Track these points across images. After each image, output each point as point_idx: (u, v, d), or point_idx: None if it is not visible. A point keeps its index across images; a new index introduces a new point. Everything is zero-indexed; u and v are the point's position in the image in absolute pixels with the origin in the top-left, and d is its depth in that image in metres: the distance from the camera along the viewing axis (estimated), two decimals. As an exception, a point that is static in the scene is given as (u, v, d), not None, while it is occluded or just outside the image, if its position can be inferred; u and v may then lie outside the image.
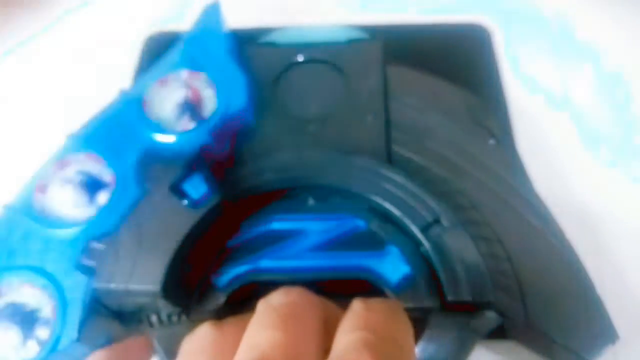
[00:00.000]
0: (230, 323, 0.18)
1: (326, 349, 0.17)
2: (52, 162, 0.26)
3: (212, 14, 0.29)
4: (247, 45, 0.30)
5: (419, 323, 0.23)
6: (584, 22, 0.34)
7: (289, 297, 0.18)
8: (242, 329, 0.17)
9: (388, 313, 0.18)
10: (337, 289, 0.21)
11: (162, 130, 0.26)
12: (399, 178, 0.24)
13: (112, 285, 0.22)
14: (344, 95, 0.28)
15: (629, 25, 0.33)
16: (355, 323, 0.17)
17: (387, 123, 0.27)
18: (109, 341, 0.24)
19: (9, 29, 0.36)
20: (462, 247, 0.23)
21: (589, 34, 0.34)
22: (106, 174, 0.26)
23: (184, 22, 0.33)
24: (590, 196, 0.27)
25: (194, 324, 0.23)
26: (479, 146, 0.26)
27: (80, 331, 0.22)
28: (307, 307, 0.18)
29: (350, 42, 0.30)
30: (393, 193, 0.24)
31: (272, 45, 0.30)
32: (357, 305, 0.18)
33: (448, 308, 0.22)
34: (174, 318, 0.23)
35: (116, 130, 0.26)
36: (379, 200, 0.24)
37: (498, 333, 0.24)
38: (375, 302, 0.18)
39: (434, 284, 0.23)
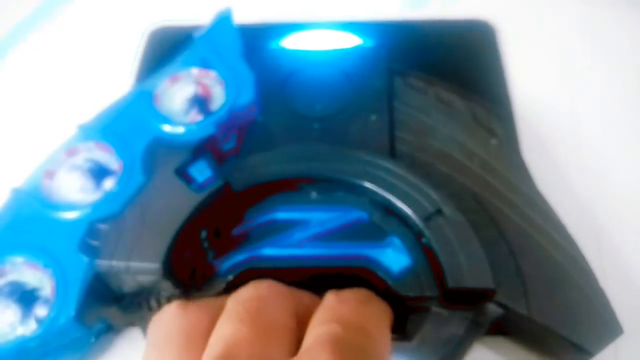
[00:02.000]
0: (196, 305, 0.18)
1: (300, 341, 0.17)
2: (61, 150, 0.27)
3: (224, 18, 0.31)
4: (258, 49, 0.31)
5: (420, 314, 0.23)
6: (593, 21, 0.35)
7: (257, 291, 0.18)
8: (207, 313, 0.18)
9: (360, 302, 0.18)
10: (335, 285, 0.22)
11: (171, 122, 0.27)
12: (401, 170, 0.25)
13: (113, 262, 0.22)
14: (349, 97, 0.29)
15: (634, 26, 0.34)
16: (325, 316, 0.17)
17: (391, 123, 0.28)
18: (107, 325, 0.24)
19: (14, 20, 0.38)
20: (463, 236, 0.23)
21: (596, 32, 0.34)
22: (114, 162, 0.26)
23: (186, 17, 0.35)
24: (593, 192, 0.27)
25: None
26: (481, 145, 0.27)
27: (77, 310, 0.22)
28: (276, 300, 0.17)
29: (357, 48, 0.31)
30: (395, 184, 0.24)
31: (282, 49, 0.32)
32: (328, 298, 0.18)
33: (449, 298, 0.22)
34: (173, 303, 0.23)
35: (126, 122, 0.27)
36: (380, 191, 0.24)
37: (499, 330, 0.24)
38: (347, 293, 0.18)
39: (435, 274, 0.23)
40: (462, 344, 0.22)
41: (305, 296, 0.19)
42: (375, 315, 0.18)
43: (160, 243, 0.22)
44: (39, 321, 0.23)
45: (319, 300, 0.19)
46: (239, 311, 0.17)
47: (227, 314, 0.17)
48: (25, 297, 0.23)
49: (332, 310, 0.17)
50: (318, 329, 0.16)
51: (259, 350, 0.16)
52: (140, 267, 0.22)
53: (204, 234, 0.24)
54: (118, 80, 0.29)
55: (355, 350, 0.16)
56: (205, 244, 0.24)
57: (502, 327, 0.24)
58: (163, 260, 0.21)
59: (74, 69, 0.35)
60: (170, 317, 0.18)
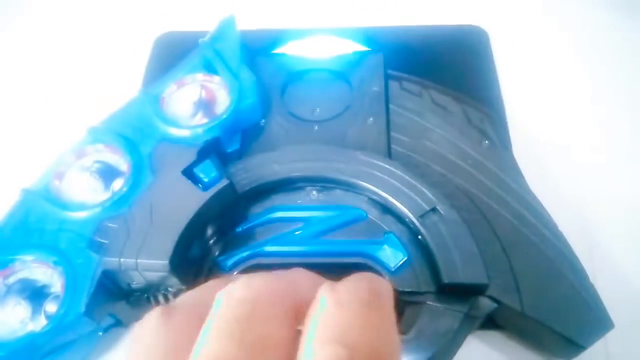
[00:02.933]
0: (181, 310, 0.15)
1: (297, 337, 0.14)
2: (71, 152, 0.28)
3: (227, 25, 0.32)
4: (260, 55, 0.32)
5: (415, 308, 0.24)
6: (581, 27, 0.36)
7: (250, 291, 0.15)
8: (196, 318, 0.15)
9: (364, 305, 0.14)
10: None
11: (177, 125, 0.28)
12: (398, 170, 0.25)
13: (122, 259, 0.23)
14: (347, 101, 0.30)
15: (621, 30, 0.35)
16: (323, 331, 0.14)
17: (388, 125, 0.29)
18: (116, 320, 0.25)
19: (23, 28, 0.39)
20: (457, 233, 0.24)
21: (585, 38, 0.35)
22: (122, 164, 0.27)
23: (192, 23, 0.36)
24: (583, 191, 0.28)
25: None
26: (475, 146, 0.28)
27: (87, 306, 0.23)
28: (271, 303, 0.15)
29: (355, 54, 0.32)
30: (392, 184, 0.25)
31: (283, 55, 0.33)
32: (326, 298, 0.14)
33: (444, 293, 0.23)
34: (179, 298, 0.24)
35: (134, 124, 0.28)
36: (378, 191, 0.25)
37: (492, 324, 0.24)
38: (346, 292, 0.15)
39: (431, 269, 0.24)
40: (457, 337, 0.23)
41: (303, 284, 0.16)
42: (386, 325, 0.15)
43: (168, 240, 0.23)
44: (49, 317, 0.23)
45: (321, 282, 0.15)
46: (228, 320, 0.14)
47: (214, 323, 0.14)
48: (36, 294, 0.24)
49: (330, 320, 0.14)
50: (318, 353, 0.13)
51: None
52: (148, 264, 0.22)
53: (209, 231, 0.25)
54: (127, 84, 0.30)
55: None
56: (211, 242, 0.25)
57: (496, 321, 0.24)
58: (170, 257, 0.22)
59: (84, 73, 0.36)
60: (153, 327, 0.15)
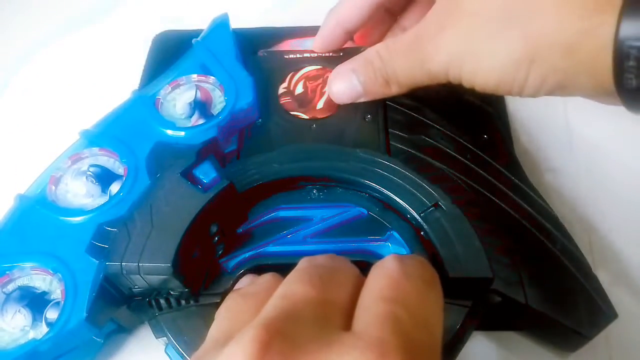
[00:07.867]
0: (255, 294, 0.18)
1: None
2: (66, 156, 0.27)
3: (220, 24, 0.31)
4: (255, 53, 0.32)
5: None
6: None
7: (332, 262, 0.18)
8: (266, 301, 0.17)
9: (426, 283, 0.17)
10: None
11: (173, 126, 0.28)
12: (398, 167, 0.25)
13: (124, 263, 0.22)
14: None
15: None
16: (387, 291, 0.16)
17: (386, 121, 0.29)
18: (118, 326, 0.25)
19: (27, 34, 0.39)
20: (460, 228, 0.23)
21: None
22: (119, 167, 0.27)
23: (189, 22, 0.35)
24: (584, 184, 0.28)
25: (201, 307, 0.24)
26: (475, 141, 0.28)
27: (88, 312, 0.23)
28: (346, 275, 0.17)
29: (352, 48, 0.32)
30: (393, 181, 0.25)
31: (279, 52, 0.32)
32: (392, 265, 0.17)
33: (448, 288, 0.23)
34: (183, 302, 0.24)
35: (129, 127, 0.28)
36: (379, 188, 0.25)
37: (495, 323, 0.25)
38: (413, 266, 0.17)
39: (434, 265, 0.23)
40: (462, 332, 0.23)
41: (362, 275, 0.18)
42: (437, 306, 0.17)
43: (170, 243, 0.22)
44: (50, 324, 0.23)
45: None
46: (311, 274, 0.17)
47: (298, 274, 0.17)
48: (36, 301, 0.24)
49: (396, 285, 0.16)
50: (380, 306, 0.15)
51: (322, 314, 0.15)
52: (151, 267, 0.22)
53: (211, 233, 0.24)
54: (125, 84, 0.29)
55: (413, 345, 0.15)
56: (213, 243, 0.25)
57: (500, 320, 0.24)
58: (173, 259, 0.22)
59: (81, 74, 0.36)
60: (234, 301, 0.19)
